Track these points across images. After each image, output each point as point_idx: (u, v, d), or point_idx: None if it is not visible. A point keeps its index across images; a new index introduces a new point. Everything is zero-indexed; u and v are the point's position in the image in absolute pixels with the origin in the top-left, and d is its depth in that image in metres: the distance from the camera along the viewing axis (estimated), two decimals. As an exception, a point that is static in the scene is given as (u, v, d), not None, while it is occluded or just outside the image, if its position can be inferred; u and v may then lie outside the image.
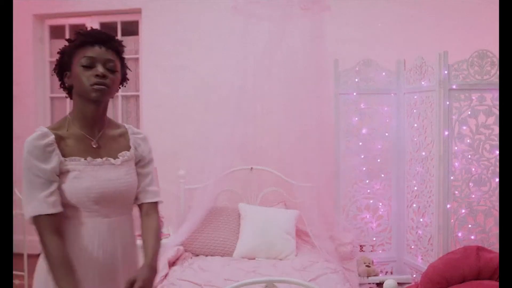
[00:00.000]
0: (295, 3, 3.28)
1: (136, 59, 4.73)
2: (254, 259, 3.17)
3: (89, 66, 1.52)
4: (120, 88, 1.70)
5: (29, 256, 3.69)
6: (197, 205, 3.39)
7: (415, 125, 3.29)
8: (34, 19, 4.70)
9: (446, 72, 2.96)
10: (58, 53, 1.60)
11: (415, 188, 3.30)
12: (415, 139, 3.29)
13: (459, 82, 2.96)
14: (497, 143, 2.91)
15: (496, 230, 2.95)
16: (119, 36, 4.70)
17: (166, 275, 2.89)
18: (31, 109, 4.75)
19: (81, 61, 1.52)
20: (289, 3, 3.29)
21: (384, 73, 3.48)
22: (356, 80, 3.45)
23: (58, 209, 1.50)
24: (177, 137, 4.34)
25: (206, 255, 3.27)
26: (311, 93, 3.29)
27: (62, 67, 1.59)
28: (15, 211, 3.13)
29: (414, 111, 3.31)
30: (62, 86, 1.63)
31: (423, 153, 3.18)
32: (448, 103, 2.96)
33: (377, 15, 4.11)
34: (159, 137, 4.43)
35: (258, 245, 3.18)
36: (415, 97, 3.29)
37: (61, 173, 1.51)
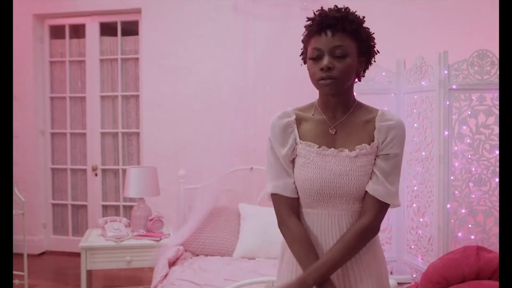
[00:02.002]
0: (295, 3, 3.28)
1: (136, 59, 4.73)
2: (254, 259, 3.17)
3: (318, 58, 1.44)
4: (363, 71, 1.55)
5: (29, 256, 3.70)
6: (197, 205, 3.39)
7: (415, 125, 3.28)
8: (34, 19, 4.70)
9: (446, 72, 2.96)
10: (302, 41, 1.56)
11: (415, 188, 3.30)
12: (415, 139, 3.29)
13: (459, 82, 2.96)
14: (497, 143, 2.90)
15: (496, 230, 2.95)
16: (119, 36, 4.71)
17: (166, 275, 2.89)
18: (31, 109, 4.75)
19: (310, 54, 1.46)
20: (289, 3, 3.29)
21: (384, 73, 3.47)
22: (356, 80, 3.45)
23: (296, 196, 1.52)
24: (177, 137, 4.35)
25: (206, 255, 3.27)
26: (311, 93, 3.29)
27: (303, 57, 1.56)
28: (15, 211, 3.13)
29: (414, 111, 3.30)
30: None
31: (423, 153, 3.18)
32: (448, 103, 2.96)
33: (377, 15, 4.10)
34: (159, 137, 4.44)
35: (258, 245, 3.18)
36: (415, 97, 3.28)
37: (295, 157, 1.51)
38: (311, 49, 1.45)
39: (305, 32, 1.50)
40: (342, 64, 1.43)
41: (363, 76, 1.56)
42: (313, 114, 1.54)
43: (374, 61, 1.58)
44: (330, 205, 1.48)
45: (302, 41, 1.53)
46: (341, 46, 1.43)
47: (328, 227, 1.48)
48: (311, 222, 1.50)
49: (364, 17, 1.52)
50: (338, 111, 1.51)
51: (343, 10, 1.47)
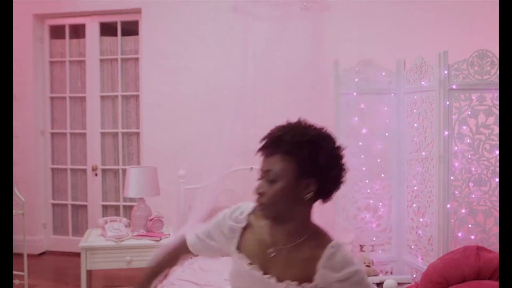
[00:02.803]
0: (295, 3, 3.28)
1: (136, 59, 4.73)
2: (254, 259, 3.16)
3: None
4: (325, 193, 1.35)
5: (29, 256, 3.70)
6: (197, 205, 3.39)
7: (415, 125, 3.28)
8: (34, 19, 4.70)
9: (446, 72, 2.96)
10: None
11: (415, 188, 3.30)
12: (415, 139, 3.29)
13: (459, 82, 2.96)
14: (497, 143, 2.90)
15: (496, 230, 2.95)
16: (119, 36, 4.70)
17: (166, 275, 2.89)
18: (31, 109, 4.75)
19: None
20: (289, 3, 3.29)
21: (384, 73, 3.47)
22: (356, 80, 3.45)
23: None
24: (177, 137, 4.35)
25: (206, 255, 3.27)
26: (311, 93, 3.29)
27: None
28: (15, 211, 3.13)
29: (414, 111, 3.30)
30: None
31: (423, 153, 3.18)
32: (448, 103, 2.96)
33: (377, 15, 4.10)
34: (159, 137, 4.44)
35: (258, 245, 3.18)
36: (415, 97, 3.29)
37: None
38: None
39: None
40: (272, 189, 1.30)
41: (328, 198, 1.36)
42: (263, 225, 1.41)
43: (341, 181, 1.37)
44: None
45: None
46: (270, 170, 1.30)
47: None
48: None
49: (327, 135, 1.34)
50: (282, 236, 1.37)
51: (288, 127, 1.32)
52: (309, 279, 1.32)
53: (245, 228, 1.45)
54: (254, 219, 1.45)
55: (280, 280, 1.34)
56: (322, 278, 1.31)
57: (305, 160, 1.27)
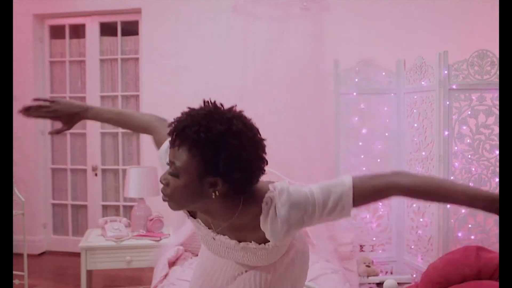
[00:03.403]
0: (295, 3, 3.28)
1: (136, 59, 4.73)
2: (254, 259, 3.16)
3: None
4: (237, 188, 1.23)
5: (29, 256, 3.70)
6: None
7: (415, 125, 3.28)
8: (34, 19, 4.70)
9: (446, 72, 2.96)
10: None
11: (415, 188, 3.30)
12: (415, 139, 3.29)
13: (459, 82, 2.96)
14: (497, 143, 2.91)
15: (496, 230, 2.95)
16: (119, 36, 4.70)
17: (166, 275, 2.89)
18: (31, 109, 4.74)
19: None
20: (289, 3, 3.29)
21: (384, 73, 3.47)
22: (356, 80, 3.45)
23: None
24: (177, 137, 4.34)
25: (206, 255, 3.27)
26: (311, 93, 3.29)
27: None
28: (15, 211, 3.13)
29: (414, 111, 3.31)
30: None
31: (423, 153, 3.18)
32: (448, 103, 2.96)
33: (377, 15, 4.11)
34: (159, 137, 4.43)
35: (258, 245, 3.18)
36: (415, 97, 3.29)
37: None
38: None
39: None
40: (174, 183, 1.22)
41: (242, 192, 1.25)
42: None
43: (263, 172, 1.29)
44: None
45: None
46: (172, 163, 1.21)
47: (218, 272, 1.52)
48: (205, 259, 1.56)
49: (236, 130, 1.18)
50: (216, 221, 1.36)
51: (194, 120, 1.20)
52: (264, 240, 1.32)
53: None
54: None
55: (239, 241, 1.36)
56: (269, 233, 1.29)
57: (208, 159, 1.17)
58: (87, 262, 3.26)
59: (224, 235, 1.38)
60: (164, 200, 1.27)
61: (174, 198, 1.25)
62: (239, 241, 1.36)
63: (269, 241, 1.32)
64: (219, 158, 1.16)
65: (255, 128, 1.25)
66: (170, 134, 1.23)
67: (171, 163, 1.22)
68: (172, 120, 1.27)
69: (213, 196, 1.22)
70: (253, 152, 1.22)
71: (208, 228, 1.40)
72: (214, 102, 1.26)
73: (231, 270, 1.50)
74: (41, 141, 4.85)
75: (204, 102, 1.27)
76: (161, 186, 1.27)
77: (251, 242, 1.35)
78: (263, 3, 3.30)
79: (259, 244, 1.34)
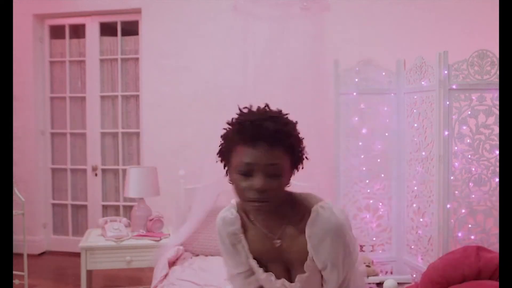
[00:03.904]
0: (295, 3, 3.28)
1: (136, 59, 4.74)
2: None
3: (248, 174, 1.23)
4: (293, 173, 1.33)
5: (29, 256, 3.70)
6: (197, 205, 3.39)
7: (415, 125, 3.28)
8: (34, 19, 4.70)
9: (446, 72, 2.96)
10: (221, 136, 1.35)
11: (415, 188, 3.30)
12: (415, 139, 3.29)
13: (459, 82, 2.96)
14: (497, 143, 2.90)
15: (496, 230, 2.95)
16: (119, 36, 4.71)
17: (166, 275, 2.89)
18: (31, 109, 4.75)
19: (238, 167, 1.25)
20: (289, 3, 3.29)
21: (384, 73, 3.47)
22: (356, 80, 3.45)
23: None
24: (177, 137, 4.35)
25: (206, 255, 3.27)
26: (311, 93, 3.29)
27: (223, 155, 1.34)
28: (15, 211, 3.14)
29: (414, 111, 3.30)
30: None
31: (423, 153, 3.18)
32: (448, 103, 2.96)
33: (377, 15, 4.11)
34: (159, 137, 4.44)
35: (258, 245, 3.18)
36: (415, 97, 3.28)
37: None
38: (239, 161, 1.24)
39: (232, 131, 1.29)
40: (276, 183, 1.24)
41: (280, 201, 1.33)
42: (252, 220, 1.38)
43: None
44: None
45: (223, 139, 1.32)
46: (276, 164, 1.23)
47: None
48: None
49: (296, 122, 1.32)
50: (276, 221, 1.34)
51: (277, 117, 1.27)
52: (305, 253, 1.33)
53: (243, 231, 1.40)
54: (245, 216, 1.41)
55: (293, 270, 1.35)
56: (310, 244, 1.29)
57: (297, 153, 1.29)
58: (87, 262, 3.27)
59: (281, 263, 1.36)
60: (261, 206, 1.24)
61: (276, 199, 1.26)
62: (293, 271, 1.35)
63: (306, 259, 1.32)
64: (299, 145, 1.30)
65: None
66: (256, 137, 1.22)
67: (271, 165, 1.22)
68: (240, 125, 1.27)
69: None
70: None
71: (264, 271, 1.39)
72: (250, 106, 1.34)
73: None
74: (41, 141, 4.85)
75: (240, 109, 1.34)
76: (251, 194, 1.24)
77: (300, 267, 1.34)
78: (263, 3, 3.30)
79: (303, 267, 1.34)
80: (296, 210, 1.33)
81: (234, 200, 1.39)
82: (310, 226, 1.28)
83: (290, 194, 1.36)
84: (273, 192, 1.23)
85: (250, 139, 1.22)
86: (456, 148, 2.98)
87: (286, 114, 1.32)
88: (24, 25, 4.63)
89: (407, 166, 3.41)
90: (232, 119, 1.31)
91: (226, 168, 1.33)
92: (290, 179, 1.30)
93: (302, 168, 1.35)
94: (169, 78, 4.41)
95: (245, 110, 1.31)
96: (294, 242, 1.32)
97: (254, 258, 1.39)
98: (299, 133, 1.31)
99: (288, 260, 1.36)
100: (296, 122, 1.33)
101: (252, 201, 1.24)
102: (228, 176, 1.33)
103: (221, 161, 1.35)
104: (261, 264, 1.39)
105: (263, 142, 1.21)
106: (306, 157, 1.34)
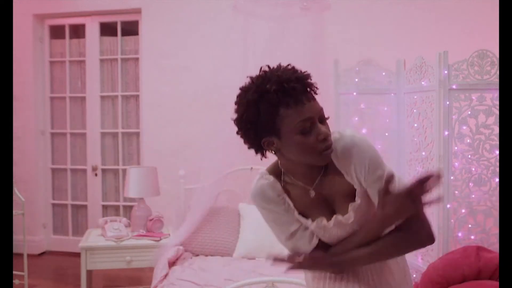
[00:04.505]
0: (295, 3, 3.28)
1: (136, 59, 4.73)
2: (254, 259, 3.17)
3: (306, 130, 1.25)
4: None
5: (29, 256, 3.70)
6: (197, 205, 3.39)
7: (415, 125, 3.28)
8: (34, 19, 4.70)
9: (446, 72, 2.96)
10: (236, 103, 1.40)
11: (415, 188, 3.30)
12: (415, 139, 3.29)
13: (459, 82, 2.96)
14: (497, 143, 2.90)
15: (496, 230, 2.95)
16: (119, 36, 4.71)
17: (166, 275, 2.89)
18: (31, 109, 4.75)
19: (300, 128, 1.24)
20: (289, 3, 3.29)
21: (384, 73, 3.47)
22: (356, 80, 3.45)
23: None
24: (177, 137, 4.35)
25: (206, 255, 3.27)
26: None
27: (263, 124, 1.30)
28: (15, 211, 3.14)
29: (414, 111, 3.30)
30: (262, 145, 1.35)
31: (423, 153, 3.18)
32: (448, 103, 2.96)
33: (377, 15, 4.11)
34: (159, 137, 4.44)
35: (258, 245, 3.18)
36: (415, 97, 3.28)
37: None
38: (298, 121, 1.24)
39: (263, 99, 1.28)
40: (327, 129, 1.29)
41: None
42: (287, 180, 1.39)
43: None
44: None
45: (265, 115, 1.28)
46: (322, 109, 1.30)
47: None
48: None
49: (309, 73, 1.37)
50: (315, 172, 1.36)
51: (292, 69, 1.34)
52: (352, 187, 1.34)
53: (285, 191, 1.41)
54: (276, 174, 1.42)
55: (343, 214, 1.34)
56: (346, 164, 1.32)
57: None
58: (87, 262, 3.27)
59: (328, 213, 1.36)
60: (330, 152, 1.28)
61: (332, 144, 1.30)
62: (340, 212, 1.35)
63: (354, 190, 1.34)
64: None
65: None
66: (299, 92, 1.26)
67: (320, 111, 1.28)
68: (280, 87, 1.27)
69: None
70: None
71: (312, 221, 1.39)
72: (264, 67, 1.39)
73: None
74: (41, 141, 4.85)
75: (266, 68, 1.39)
76: (320, 146, 1.26)
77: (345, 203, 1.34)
78: (263, 3, 3.30)
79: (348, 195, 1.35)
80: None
81: (262, 170, 1.43)
82: (338, 150, 1.31)
83: None
84: (329, 138, 1.28)
85: (298, 97, 1.25)
86: (456, 148, 2.97)
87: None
88: (24, 25, 4.63)
89: (407, 166, 3.41)
90: (255, 85, 1.34)
91: (264, 137, 1.33)
92: None
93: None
94: (169, 78, 4.41)
95: (268, 73, 1.36)
96: (332, 181, 1.36)
97: (300, 213, 1.41)
98: None
99: (332, 202, 1.38)
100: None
101: (325, 149, 1.26)
102: (268, 145, 1.33)
103: (252, 132, 1.36)
104: (307, 217, 1.41)
105: (304, 96, 1.26)
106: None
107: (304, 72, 1.32)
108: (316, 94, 1.31)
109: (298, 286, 1.96)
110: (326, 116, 1.31)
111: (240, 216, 3.43)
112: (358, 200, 1.34)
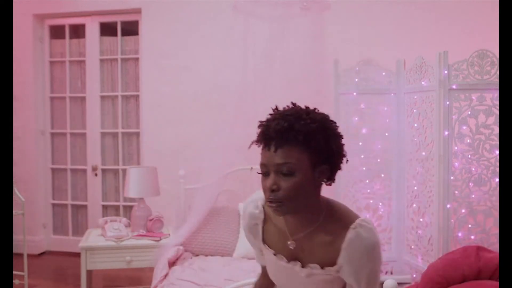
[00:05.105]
0: (295, 3, 3.29)
1: (136, 59, 4.74)
2: (254, 259, 3.16)
3: (266, 174, 1.25)
4: (331, 177, 1.29)
5: (29, 256, 3.70)
6: (197, 205, 3.40)
7: (415, 125, 3.28)
8: (34, 19, 4.70)
9: (446, 72, 2.96)
10: None
11: (415, 188, 3.30)
12: (415, 139, 3.29)
13: (459, 82, 2.96)
14: (497, 143, 2.90)
15: (496, 230, 2.95)
16: (119, 36, 4.71)
17: (166, 275, 2.90)
18: (31, 109, 4.75)
19: (260, 169, 1.27)
20: (289, 3, 3.29)
21: (384, 73, 3.47)
22: (356, 80, 3.45)
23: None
24: (177, 137, 4.35)
25: (206, 255, 3.27)
26: (311, 93, 3.29)
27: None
28: (15, 211, 3.14)
29: (414, 111, 3.30)
30: None
31: (423, 153, 3.18)
32: (448, 103, 2.96)
33: (377, 15, 4.11)
34: (159, 137, 4.44)
35: (258, 245, 3.19)
36: (415, 97, 3.28)
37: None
38: (260, 163, 1.26)
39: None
40: (289, 183, 1.21)
41: (333, 182, 1.31)
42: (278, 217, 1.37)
43: (347, 161, 1.34)
44: None
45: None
46: (285, 163, 1.20)
47: None
48: None
49: (327, 116, 1.29)
50: (298, 226, 1.31)
51: (292, 116, 1.23)
52: (332, 262, 1.28)
53: (264, 221, 1.41)
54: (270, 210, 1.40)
55: (303, 266, 1.31)
56: (344, 258, 1.26)
57: (320, 148, 1.22)
58: (87, 262, 3.27)
59: (290, 261, 1.35)
60: (275, 207, 1.23)
61: (289, 200, 1.22)
62: (303, 266, 1.32)
63: (331, 266, 1.28)
64: (329, 144, 1.24)
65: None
66: (267, 136, 1.23)
67: (281, 165, 1.21)
68: (261, 127, 1.26)
69: (322, 184, 1.27)
70: (342, 138, 1.31)
71: (274, 254, 1.39)
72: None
73: None
74: (41, 141, 4.85)
75: (273, 109, 1.30)
76: (267, 194, 1.24)
77: (315, 265, 1.31)
78: (263, 3, 3.30)
79: (322, 268, 1.30)
80: (332, 220, 1.29)
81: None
82: (349, 243, 1.24)
83: (328, 202, 1.34)
84: (284, 192, 1.21)
85: (263, 140, 1.24)
86: (456, 148, 2.98)
87: (311, 109, 1.28)
88: (24, 25, 4.63)
89: (407, 166, 3.41)
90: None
91: None
92: (313, 179, 1.24)
93: (339, 168, 1.30)
94: (169, 78, 4.41)
95: (275, 112, 1.29)
96: (319, 249, 1.29)
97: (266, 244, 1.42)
98: (327, 128, 1.25)
99: (302, 260, 1.34)
100: (327, 116, 1.29)
101: (268, 201, 1.24)
102: None
103: None
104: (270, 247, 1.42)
105: (274, 142, 1.22)
106: (343, 154, 1.29)
107: (299, 117, 1.23)
108: (300, 141, 1.20)
109: None
110: (300, 168, 1.22)
111: (240, 216, 3.43)
112: (323, 269, 1.30)
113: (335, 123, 1.30)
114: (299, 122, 1.21)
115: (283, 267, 1.36)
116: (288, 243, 1.33)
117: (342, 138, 1.31)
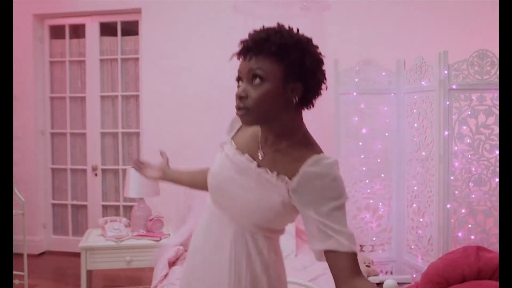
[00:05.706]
0: (295, 3, 3.29)
1: (136, 59, 4.73)
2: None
3: (239, 85, 1.27)
4: (307, 99, 1.28)
5: (29, 256, 3.70)
6: (197, 205, 3.39)
7: (415, 125, 3.29)
8: (34, 19, 4.70)
9: (446, 72, 2.96)
10: None
11: (415, 188, 3.30)
12: (415, 139, 3.29)
13: (459, 82, 2.96)
14: (497, 143, 2.91)
15: (496, 230, 2.95)
16: (119, 36, 4.71)
17: (166, 275, 2.89)
18: (31, 109, 4.75)
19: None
20: (289, 3, 3.29)
21: (384, 73, 3.47)
22: (356, 80, 3.45)
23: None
24: (177, 137, 4.35)
25: (206, 255, 3.27)
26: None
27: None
28: (15, 211, 3.13)
29: (414, 111, 3.31)
30: None
31: (423, 153, 3.18)
32: (448, 103, 2.96)
33: (377, 15, 4.11)
34: (159, 137, 4.44)
35: (258, 245, 3.18)
36: (415, 97, 3.29)
37: None
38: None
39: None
40: (257, 92, 1.21)
41: (311, 105, 1.30)
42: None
43: (326, 88, 1.32)
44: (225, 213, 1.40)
45: None
46: (255, 70, 1.21)
47: (216, 234, 1.42)
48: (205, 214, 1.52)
49: (309, 39, 1.26)
50: (269, 140, 1.31)
51: (272, 30, 1.23)
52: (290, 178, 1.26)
53: (239, 129, 1.46)
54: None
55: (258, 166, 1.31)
56: (301, 183, 1.23)
57: (294, 63, 1.20)
58: (87, 262, 3.26)
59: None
60: (241, 114, 1.25)
61: (255, 108, 1.22)
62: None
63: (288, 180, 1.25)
64: (303, 61, 1.21)
65: None
66: (245, 47, 1.25)
67: (249, 73, 1.23)
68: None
69: (294, 102, 1.23)
70: (322, 59, 1.28)
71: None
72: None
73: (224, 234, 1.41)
74: (41, 141, 4.85)
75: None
76: (237, 101, 1.27)
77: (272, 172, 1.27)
78: (263, 3, 3.31)
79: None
80: (302, 146, 1.28)
81: None
82: (309, 165, 1.22)
83: (306, 132, 1.34)
84: (252, 100, 1.22)
85: (241, 51, 1.27)
86: (456, 148, 2.98)
87: (297, 31, 1.26)
88: (24, 25, 4.63)
89: (407, 166, 3.41)
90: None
91: None
92: (284, 93, 1.22)
93: (316, 92, 1.29)
94: (169, 78, 4.41)
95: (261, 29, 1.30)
96: (281, 165, 1.27)
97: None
98: (304, 47, 1.22)
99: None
100: (309, 39, 1.26)
101: (236, 108, 1.26)
102: None
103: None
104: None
105: (251, 52, 1.23)
106: (321, 79, 1.28)
107: (278, 31, 1.22)
108: (274, 51, 1.20)
109: (298, 286, 1.96)
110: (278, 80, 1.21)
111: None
112: (272, 178, 1.27)
113: (316, 46, 1.27)
114: (276, 35, 1.21)
115: (232, 167, 1.35)
116: (258, 153, 1.32)
117: (322, 62, 1.28)
